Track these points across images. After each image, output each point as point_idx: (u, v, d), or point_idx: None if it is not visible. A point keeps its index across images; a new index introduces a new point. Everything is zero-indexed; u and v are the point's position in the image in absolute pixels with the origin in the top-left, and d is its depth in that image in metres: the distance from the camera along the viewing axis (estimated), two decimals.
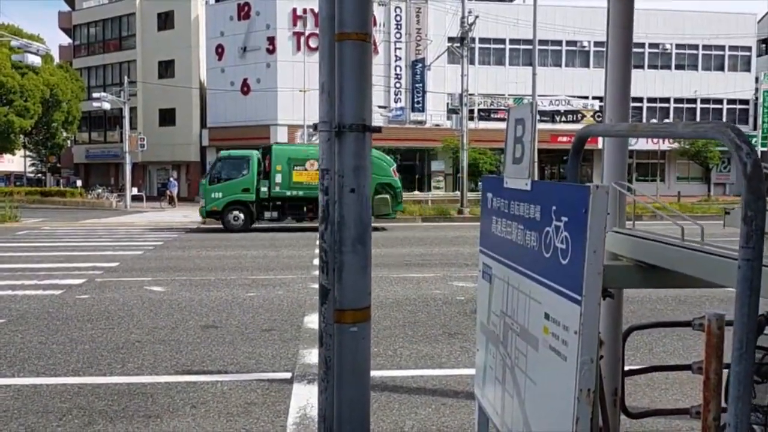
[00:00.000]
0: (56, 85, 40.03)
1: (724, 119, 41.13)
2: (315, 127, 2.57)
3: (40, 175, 58.04)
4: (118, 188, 41.33)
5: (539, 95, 30.53)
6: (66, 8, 52.24)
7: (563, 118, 38.01)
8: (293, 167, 19.99)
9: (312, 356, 5.96)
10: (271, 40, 37.24)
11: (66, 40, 53.19)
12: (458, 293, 9.23)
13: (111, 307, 8.37)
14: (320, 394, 2.63)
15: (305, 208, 20.28)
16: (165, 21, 43.60)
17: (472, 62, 33.32)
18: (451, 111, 36.58)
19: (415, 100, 38.28)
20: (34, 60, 24.08)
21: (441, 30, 36.03)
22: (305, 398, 4.88)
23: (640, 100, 39.28)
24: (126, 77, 38.93)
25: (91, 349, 6.31)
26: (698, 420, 1.99)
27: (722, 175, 42.02)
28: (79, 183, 45.20)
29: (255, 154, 20.60)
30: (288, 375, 5.50)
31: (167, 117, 43.50)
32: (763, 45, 44.58)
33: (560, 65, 39.84)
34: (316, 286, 9.28)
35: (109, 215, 28.78)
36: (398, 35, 37.99)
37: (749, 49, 41.55)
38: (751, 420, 1.92)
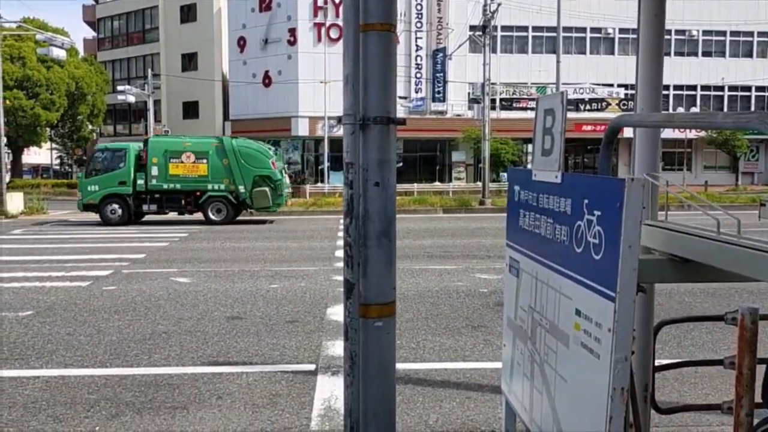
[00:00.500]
0: (81, 78, 40.53)
1: (753, 107, 40.32)
2: (339, 119, 2.54)
3: (66, 167, 58.94)
4: None
5: (563, 83, 30.14)
6: (90, 1, 52.80)
7: (587, 107, 37.51)
8: (169, 159, 19.76)
9: (335, 348, 5.96)
10: (292, 31, 37.24)
11: (90, 33, 53.82)
12: (481, 285, 9.17)
13: (137, 298, 8.46)
14: (346, 388, 2.61)
15: (183, 201, 20.09)
16: (188, 13, 43.86)
17: (494, 51, 33.02)
18: (473, 101, 36.31)
19: (436, 90, 38.05)
20: (60, 53, 24.37)
21: (462, 18, 35.71)
22: (329, 390, 4.88)
23: (666, 87, 38.63)
24: (150, 70, 39.31)
25: (118, 341, 6.38)
26: (730, 416, 1.94)
27: (750, 164, 41.24)
28: None
29: (132, 147, 20.32)
30: (312, 367, 5.51)
31: (191, 109, 43.85)
32: None
33: (584, 53, 39.33)
34: (338, 278, 9.25)
35: None
36: (419, 24, 37.75)
37: None
38: None
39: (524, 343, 2.43)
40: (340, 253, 12.38)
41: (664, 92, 39.29)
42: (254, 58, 38.55)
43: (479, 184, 29.60)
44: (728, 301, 7.85)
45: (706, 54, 40.45)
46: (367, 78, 2.41)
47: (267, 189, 19.76)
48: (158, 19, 45.49)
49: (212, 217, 19.97)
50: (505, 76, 37.58)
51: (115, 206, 19.92)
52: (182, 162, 19.79)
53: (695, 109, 37.12)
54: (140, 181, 19.88)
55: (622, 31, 38.31)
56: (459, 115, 37.83)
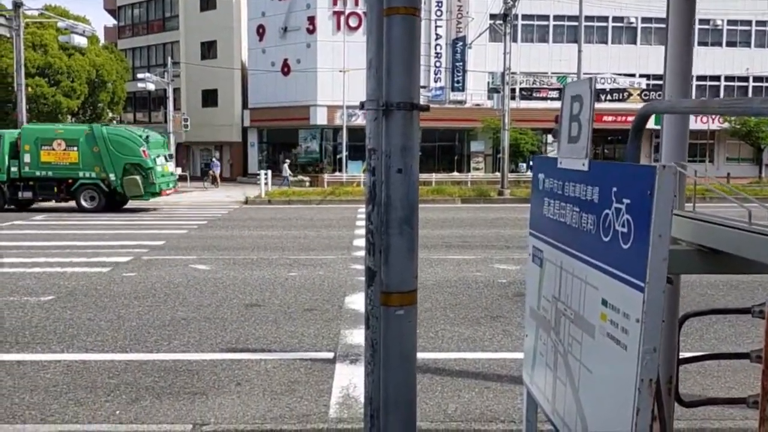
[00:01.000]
0: (102, 66, 40.76)
1: None
2: (362, 105, 2.51)
3: None
4: None
5: (584, 73, 29.77)
6: None
7: (608, 97, 37.01)
8: (41, 147, 19.74)
9: (353, 336, 5.96)
10: (311, 20, 37.13)
11: (111, 21, 54.12)
12: (500, 275, 9.13)
13: (157, 284, 8.53)
14: (366, 376, 2.60)
15: (56, 188, 20.07)
16: (207, 2, 43.88)
17: (514, 40, 32.66)
18: (492, 90, 35.99)
19: (455, 79, 37.78)
20: (81, 41, 24.52)
21: (483, 7, 35.36)
22: (348, 378, 4.88)
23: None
24: (169, 58, 39.43)
25: (138, 326, 6.44)
26: (755, 410, 1.90)
27: None
28: None
29: (6, 134, 20.28)
30: (330, 355, 5.52)
31: (210, 98, 43.97)
32: None
33: (606, 42, 38.78)
34: (356, 266, 9.26)
35: None
36: (438, 13, 37.45)
37: None
38: None
39: (547, 333, 2.40)
40: (357, 242, 12.38)
41: None
42: (273, 47, 38.52)
43: (498, 174, 29.40)
44: (751, 294, 7.73)
45: (730, 44, 39.71)
46: (390, 62, 2.37)
47: (138, 177, 19.62)
48: (178, 7, 45.58)
49: (85, 204, 19.97)
50: (525, 65, 37.17)
51: None
52: (53, 149, 19.83)
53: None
54: (14, 168, 19.96)
55: (644, 20, 37.69)
56: (478, 105, 37.55)
